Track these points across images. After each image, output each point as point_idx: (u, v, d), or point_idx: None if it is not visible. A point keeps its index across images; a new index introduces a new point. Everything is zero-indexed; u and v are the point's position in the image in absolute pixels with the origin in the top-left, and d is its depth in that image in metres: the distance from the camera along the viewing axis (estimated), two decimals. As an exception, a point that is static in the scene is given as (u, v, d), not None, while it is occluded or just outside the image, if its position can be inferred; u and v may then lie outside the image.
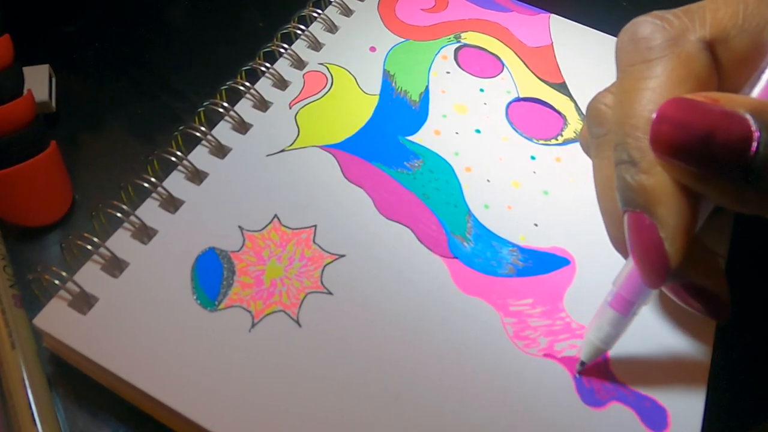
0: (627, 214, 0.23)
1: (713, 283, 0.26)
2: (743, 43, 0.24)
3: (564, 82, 0.39)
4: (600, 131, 0.26)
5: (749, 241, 0.34)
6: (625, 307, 0.26)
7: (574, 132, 0.37)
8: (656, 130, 0.21)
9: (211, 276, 0.28)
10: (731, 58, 0.24)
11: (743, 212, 0.22)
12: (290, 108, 0.35)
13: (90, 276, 0.27)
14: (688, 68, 0.23)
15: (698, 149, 0.20)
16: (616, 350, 0.28)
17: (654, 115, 0.22)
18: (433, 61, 0.39)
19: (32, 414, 0.26)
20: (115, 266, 0.28)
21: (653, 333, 0.29)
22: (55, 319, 0.26)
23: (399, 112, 0.36)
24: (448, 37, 0.40)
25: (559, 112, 0.37)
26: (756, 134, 0.20)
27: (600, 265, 0.31)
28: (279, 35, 0.38)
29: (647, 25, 0.24)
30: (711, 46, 0.24)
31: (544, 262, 0.31)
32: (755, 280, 0.34)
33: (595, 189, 0.26)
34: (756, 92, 0.23)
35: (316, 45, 0.39)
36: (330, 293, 0.29)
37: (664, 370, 0.28)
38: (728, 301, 0.27)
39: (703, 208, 0.23)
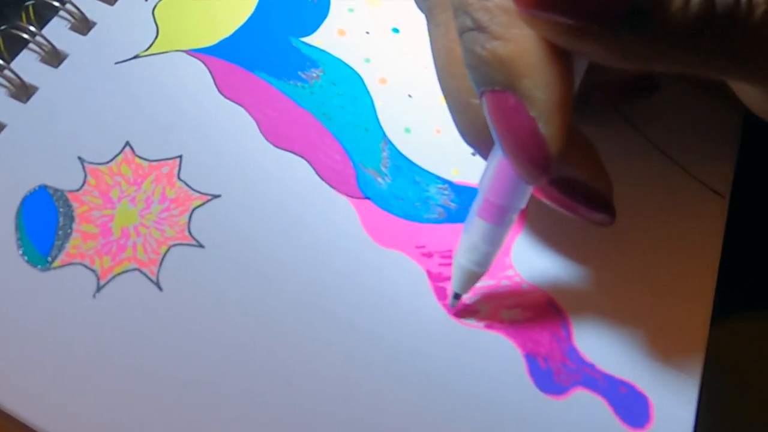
0: (485, 95, 0.22)
1: (590, 173, 0.26)
2: None
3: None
4: None
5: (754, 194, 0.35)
6: (498, 216, 0.24)
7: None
8: None
9: (43, 224, 0.28)
10: None
11: (625, 67, 0.21)
12: (146, 0, 0.34)
13: None
14: None
15: None
16: (582, 319, 0.28)
17: None
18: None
19: None
20: None
21: (631, 297, 0.29)
22: None
23: (290, 5, 0.35)
24: None
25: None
26: None
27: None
28: None
29: None
30: None
31: (483, 204, 0.31)
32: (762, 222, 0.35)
33: (435, 66, 0.25)
34: None
35: None
36: (200, 245, 0.28)
37: (645, 347, 0.28)
38: (610, 194, 0.26)
39: (576, 72, 0.22)
